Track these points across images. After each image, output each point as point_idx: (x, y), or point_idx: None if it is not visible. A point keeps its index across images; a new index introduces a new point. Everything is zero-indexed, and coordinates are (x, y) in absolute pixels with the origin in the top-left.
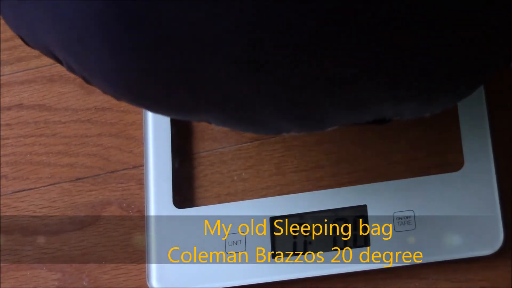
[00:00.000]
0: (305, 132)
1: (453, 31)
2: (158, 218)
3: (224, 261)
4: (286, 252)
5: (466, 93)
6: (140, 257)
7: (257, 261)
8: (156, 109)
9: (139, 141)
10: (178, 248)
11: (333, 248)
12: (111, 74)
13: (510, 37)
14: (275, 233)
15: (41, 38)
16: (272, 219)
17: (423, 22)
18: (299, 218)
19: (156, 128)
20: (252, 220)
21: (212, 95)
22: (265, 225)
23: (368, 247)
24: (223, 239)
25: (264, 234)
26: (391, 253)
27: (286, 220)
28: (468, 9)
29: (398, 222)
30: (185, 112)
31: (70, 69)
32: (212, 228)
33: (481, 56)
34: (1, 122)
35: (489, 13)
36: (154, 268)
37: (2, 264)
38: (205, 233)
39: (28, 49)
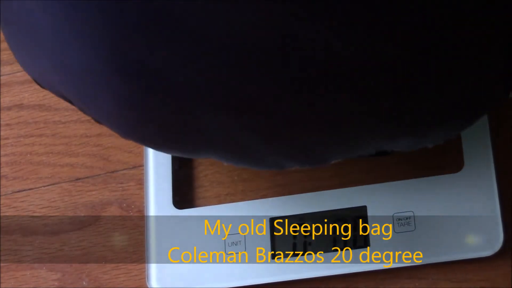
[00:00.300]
0: (309, 167)
1: (446, 71)
2: (158, 218)
3: (224, 261)
4: (286, 253)
5: (465, 126)
6: (140, 257)
7: (257, 261)
8: (160, 150)
9: None
10: (178, 248)
11: (333, 249)
12: (115, 121)
13: (505, 72)
14: (275, 234)
15: (52, 83)
16: (272, 219)
17: (415, 64)
18: (299, 219)
19: None
20: (252, 220)
21: (211, 141)
22: (265, 225)
23: (368, 248)
24: (223, 239)
25: (264, 234)
26: (391, 254)
27: (286, 220)
28: (460, 47)
29: (398, 222)
30: (186, 154)
31: (80, 109)
32: (212, 228)
33: (473, 94)
34: (1, 122)
35: (482, 51)
36: (154, 268)
37: (2, 264)
38: (205, 234)
39: None
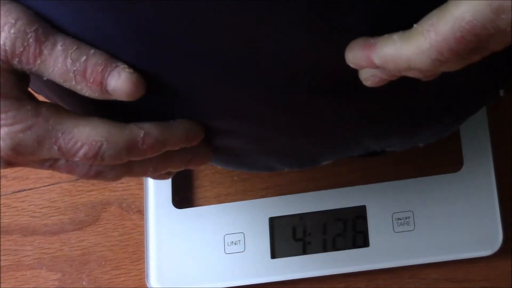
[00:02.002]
0: (299, 169)
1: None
2: (157, 218)
3: (223, 261)
4: (286, 252)
5: (454, 125)
6: (140, 257)
7: (257, 261)
8: None
9: None
10: (178, 248)
11: (332, 249)
12: None
13: (494, 71)
14: (274, 233)
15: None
16: (272, 219)
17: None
18: (299, 218)
19: None
20: (252, 220)
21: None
22: (264, 225)
23: (368, 248)
24: (223, 239)
25: (264, 234)
26: (390, 254)
27: (286, 220)
28: None
29: (397, 222)
30: None
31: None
32: (212, 228)
33: (461, 94)
34: None
35: None
36: (153, 268)
37: (2, 264)
38: (205, 233)
39: None
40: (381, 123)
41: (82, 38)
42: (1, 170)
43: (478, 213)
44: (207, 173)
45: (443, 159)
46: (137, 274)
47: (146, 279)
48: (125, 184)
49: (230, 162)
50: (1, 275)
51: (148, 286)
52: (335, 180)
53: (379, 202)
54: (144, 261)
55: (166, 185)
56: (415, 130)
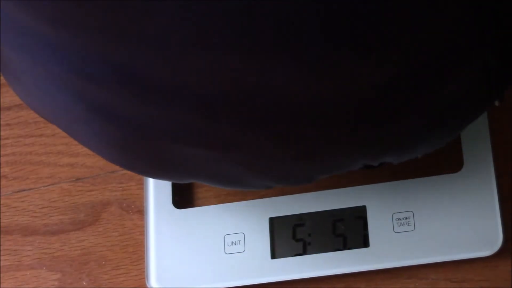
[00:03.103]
0: (295, 186)
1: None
2: (157, 218)
3: (223, 261)
4: (286, 253)
5: (450, 137)
6: (140, 257)
7: (257, 261)
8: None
9: None
10: (177, 248)
11: (332, 249)
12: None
13: (484, 79)
14: (274, 234)
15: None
16: (272, 219)
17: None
18: (299, 219)
19: None
20: (252, 220)
21: (196, 173)
22: (264, 225)
23: (368, 248)
24: (223, 239)
25: (264, 234)
26: (390, 254)
27: (286, 220)
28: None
29: (398, 223)
30: (175, 181)
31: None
32: (212, 228)
33: (452, 108)
34: (1, 122)
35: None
36: (153, 268)
37: (2, 264)
38: (205, 234)
39: None
40: (373, 145)
41: None
42: (1, 170)
43: (478, 214)
44: None
45: (443, 159)
46: (137, 274)
47: (146, 279)
48: (125, 184)
49: (228, 185)
50: (1, 275)
51: (148, 286)
52: (335, 180)
53: (379, 202)
54: (144, 261)
55: (166, 185)
56: (409, 147)
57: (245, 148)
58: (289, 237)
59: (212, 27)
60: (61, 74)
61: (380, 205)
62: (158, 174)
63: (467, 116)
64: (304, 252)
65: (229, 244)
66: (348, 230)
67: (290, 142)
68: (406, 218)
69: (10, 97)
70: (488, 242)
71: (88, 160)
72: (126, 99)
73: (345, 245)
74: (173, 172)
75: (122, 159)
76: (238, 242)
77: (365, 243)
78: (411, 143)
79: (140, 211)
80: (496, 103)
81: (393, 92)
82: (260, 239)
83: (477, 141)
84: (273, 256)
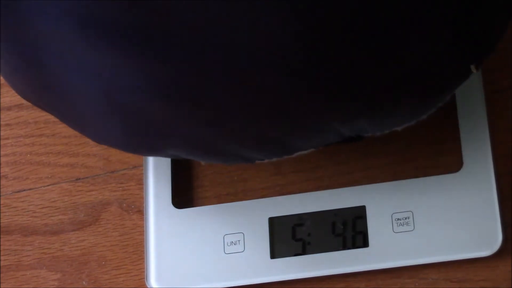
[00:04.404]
0: (276, 159)
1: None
2: (157, 218)
3: (223, 261)
4: (286, 253)
5: (426, 108)
6: (140, 257)
7: (256, 261)
8: (128, 152)
9: None
10: (177, 248)
11: (332, 249)
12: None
13: (457, 42)
14: (274, 233)
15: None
16: (272, 219)
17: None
18: (299, 219)
19: None
20: (251, 220)
21: (173, 140)
22: (264, 225)
23: (367, 248)
24: (222, 239)
25: (264, 234)
26: (390, 254)
27: (286, 220)
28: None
29: (397, 223)
30: (153, 154)
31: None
32: (212, 228)
33: (422, 69)
34: (1, 122)
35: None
36: (153, 268)
37: (2, 264)
38: (205, 233)
39: None
40: (340, 101)
41: None
42: (1, 170)
43: (478, 213)
44: (207, 173)
45: (443, 159)
46: (137, 274)
47: (146, 279)
48: (125, 184)
49: (205, 154)
50: (1, 275)
51: (148, 286)
52: (335, 180)
53: (379, 202)
54: (144, 261)
55: (166, 185)
56: (381, 111)
57: (213, 104)
58: (288, 237)
59: None
60: None
61: (380, 205)
62: (131, 141)
63: (439, 81)
64: (303, 252)
65: (229, 244)
66: (348, 230)
67: (254, 95)
68: (406, 218)
69: (10, 97)
70: (488, 242)
71: (88, 160)
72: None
73: (344, 245)
74: (147, 138)
75: (95, 126)
76: (237, 242)
77: (364, 243)
78: (380, 105)
79: (140, 211)
80: (473, 69)
81: (353, 47)
82: (259, 239)
83: (477, 141)
84: (273, 256)
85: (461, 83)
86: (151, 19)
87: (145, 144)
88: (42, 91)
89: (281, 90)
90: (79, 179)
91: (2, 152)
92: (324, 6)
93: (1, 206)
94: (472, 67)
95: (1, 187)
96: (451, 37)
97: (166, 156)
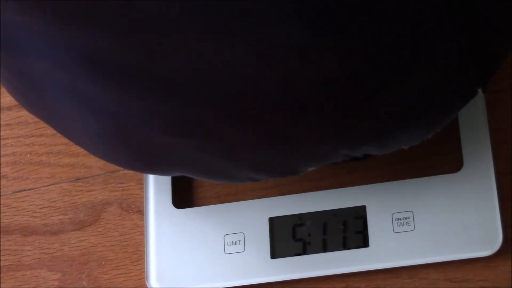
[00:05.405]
0: (280, 178)
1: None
2: (157, 218)
3: (223, 261)
4: (286, 252)
5: (433, 128)
6: (140, 257)
7: (257, 261)
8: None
9: None
10: (177, 248)
11: (332, 249)
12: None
13: (463, 67)
14: (274, 233)
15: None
16: (272, 219)
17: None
18: (299, 219)
19: None
20: (251, 220)
21: (181, 165)
22: (264, 225)
23: (368, 248)
24: (223, 239)
25: (264, 234)
26: (390, 254)
27: (286, 220)
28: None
29: (397, 222)
30: (160, 174)
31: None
32: (212, 228)
33: (430, 95)
34: (1, 122)
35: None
36: (153, 268)
37: (2, 264)
38: (205, 233)
39: None
40: (349, 133)
41: None
42: (1, 170)
43: (478, 213)
44: None
45: (443, 159)
46: (137, 274)
47: (146, 279)
48: (125, 184)
49: (213, 177)
50: (1, 275)
51: (148, 286)
52: (335, 180)
53: (379, 202)
54: (144, 261)
55: (166, 185)
56: (388, 136)
57: (219, 136)
58: (289, 237)
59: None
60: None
61: (380, 205)
62: (140, 166)
63: (446, 105)
64: (304, 252)
65: (229, 244)
66: (348, 230)
67: (261, 127)
68: (406, 218)
69: (10, 97)
70: (488, 242)
71: (88, 160)
72: (104, 88)
73: (345, 245)
74: (154, 163)
75: (102, 151)
76: (238, 242)
77: (364, 243)
78: (389, 132)
79: (140, 211)
80: (480, 92)
81: (362, 79)
82: (260, 239)
83: (477, 141)
84: (273, 256)
85: (466, 104)
86: (155, 61)
87: (151, 169)
88: (46, 119)
89: (295, 129)
90: (79, 179)
91: (2, 152)
92: (333, 37)
93: (1, 206)
94: (479, 90)
95: (1, 187)
96: (459, 66)
97: (171, 175)
